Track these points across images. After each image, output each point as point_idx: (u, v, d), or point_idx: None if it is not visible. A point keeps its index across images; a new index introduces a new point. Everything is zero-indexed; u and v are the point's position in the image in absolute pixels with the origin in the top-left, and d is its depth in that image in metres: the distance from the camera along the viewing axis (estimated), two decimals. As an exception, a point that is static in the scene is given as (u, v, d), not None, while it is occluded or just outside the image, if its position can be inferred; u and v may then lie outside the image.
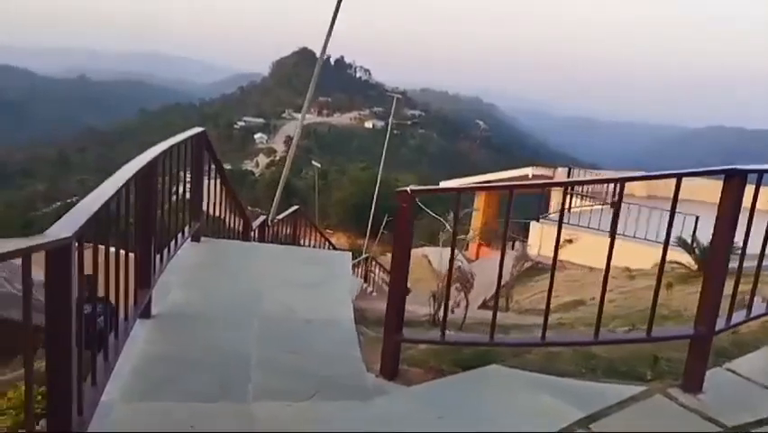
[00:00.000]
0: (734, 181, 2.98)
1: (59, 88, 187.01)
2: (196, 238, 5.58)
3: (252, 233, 8.15)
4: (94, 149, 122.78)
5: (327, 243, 15.14)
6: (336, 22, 9.02)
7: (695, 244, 10.83)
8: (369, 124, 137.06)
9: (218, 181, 6.23)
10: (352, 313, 4.44)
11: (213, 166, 5.94)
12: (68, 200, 71.71)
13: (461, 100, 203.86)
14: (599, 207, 18.29)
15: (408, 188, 3.31)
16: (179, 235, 4.92)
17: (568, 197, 18.74)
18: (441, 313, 5.85)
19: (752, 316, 3.39)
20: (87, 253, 2.46)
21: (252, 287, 4.79)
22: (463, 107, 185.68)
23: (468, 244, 23.53)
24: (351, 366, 3.63)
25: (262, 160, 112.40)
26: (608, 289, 10.96)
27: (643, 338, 3.18)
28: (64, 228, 2.19)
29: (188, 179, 5.44)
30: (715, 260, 3.07)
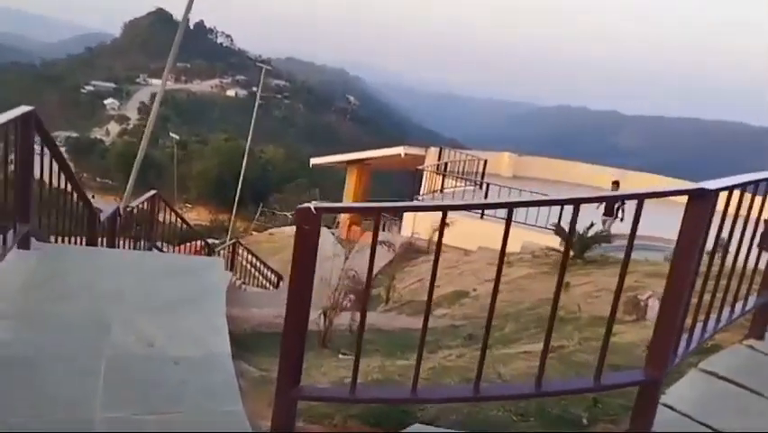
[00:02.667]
0: (699, 202, 2.53)
1: None
2: (24, 245, 4.43)
3: (100, 226, 6.92)
4: None
5: (200, 243, 13.84)
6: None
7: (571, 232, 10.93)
8: (231, 93, 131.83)
9: (57, 171, 5.06)
10: (228, 344, 3.60)
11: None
12: None
13: (327, 71, 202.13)
14: (471, 187, 18.47)
15: (311, 206, 2.55)
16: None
17: (441, 177, 18.84)
18: (330, 329, 5.21)
19: (703, 339, 3.03)
20: None
21: (99, 313, 3.78)
22: (329, 79, 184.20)
23: (338, 223, 23.02)
24: (232, 427, 2.84)
25: (114, 127, 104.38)
26: (487, 278, 10.68)
27: (590, 387, 2.68)
28: None
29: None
30: (672, 295, 2.63)
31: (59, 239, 5.80)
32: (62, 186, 5.44)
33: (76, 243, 6.24)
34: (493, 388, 3.03)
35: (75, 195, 5.91)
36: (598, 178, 21.18)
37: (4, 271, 3.96)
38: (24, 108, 4.25)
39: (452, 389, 3.29)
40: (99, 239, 6.83)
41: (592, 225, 11.41)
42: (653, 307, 6.76)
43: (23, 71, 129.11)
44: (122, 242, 8.01)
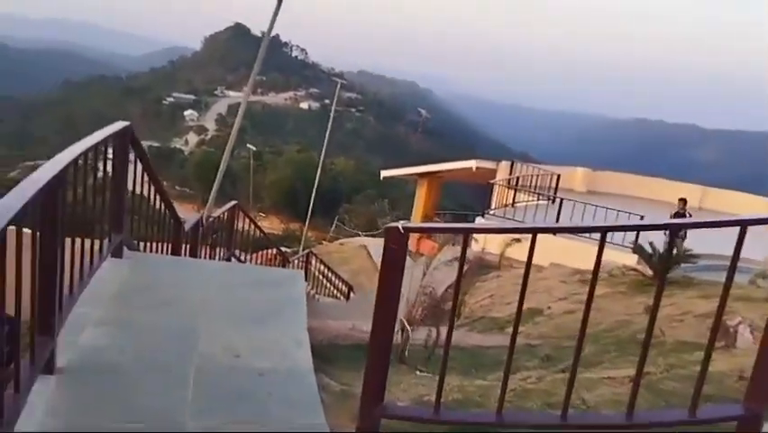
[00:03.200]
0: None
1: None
2: (117, 254, 4.65)
3: (184, 235, 7.19)
4: (11, 121, 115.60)
5: (273, 251, 14.14)
6: (282, 1, 8.12)
7: (652, 251, 10.54)
8: (304, 105, 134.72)
9: (148, 184, 5.30)
10: (310, 357, 3.66)
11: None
12: (-21, 176, 67.05)
13: (398, 84, 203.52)
14: (544, 202, 18.11)
15: (399, 226, 2.56)
16: (97, 254, 4.02)
17: (512, 191, 18.59)
18: (410, 345, 5.21)
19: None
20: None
21: (187, 322, 3.93)
22: (400, 91, 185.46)
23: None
24: (316, 442, 2.88)
25: (192, 138, 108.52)
26: (561, 296, 10.42)
27: (685, 420, 2.57)
28: None
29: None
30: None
31: (146, 246, 6.07)
32: (148, 195, 5.69)
33: (161, 250, 6.51)
34: (581, 416, 2.95)
35: (162, 205, 6.16)
36: (677, 194, 20.39)
37: (100, 279, 4.16)
38: (122, 123, 4.46)
39: (539, 415, 3.22)
40: (183, 247, 7.10)
41: (675, 243, 10.98)
42: (743, 334, 6.43)
43: (110, 84, 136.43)
44: (202, 250, 8.30)
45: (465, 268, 10.49)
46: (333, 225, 28.07)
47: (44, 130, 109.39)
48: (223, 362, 3.49)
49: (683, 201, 15.20)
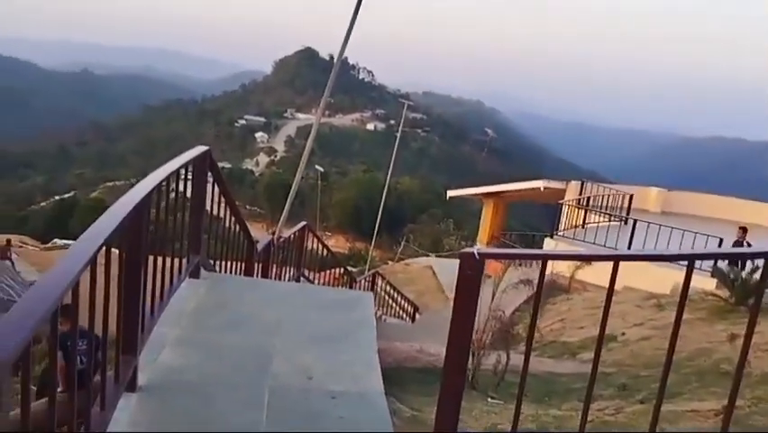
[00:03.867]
0: None
1: (62, 81, 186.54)
2: (194, 274, 4.79)
3: (257, 255, 7.35)
4: (95, 143, 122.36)
5: (340, 270, 14.28)
6: (354, 25, 8.27)
7: (732, 275, 10.03)
8: (370, 126, 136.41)
9: (223, 204, 5.45)
10: (381, 381, 3.64)
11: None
12: (65, 195, 71.03)
13: (464, 104, 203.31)
14: (616, 223, 17.56)
15: (475, 251, 2.53)
16: (176, 274, 4.15)
17: (582, 212, 18.12)
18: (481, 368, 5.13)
19: None
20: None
21: (261, 342, 4.00)
22: (465, 111, 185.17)
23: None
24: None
25: (263, 159, 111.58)
26: (636, 321, 10.03)
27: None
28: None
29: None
30: None
31: (221, 265, 6.24)
32: (223, 216, 5.85)
33: (235, 270, 6.68)
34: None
35: (237, 226, 6.33)
36: (757, 215, 19.40)
37: (178, 298, 4.29)
38: (201, 148, 4.62)
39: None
40: (255, 267, 7.26)
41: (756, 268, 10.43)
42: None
43: (186, 107, 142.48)
44: (272, 268, 8.46)
45: (533, 291, 10.25)
46: (402, 246, 28.06)
47: (124, 151, 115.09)
48: (296, 383, 3.53)
49: (743, 230, 14.38)
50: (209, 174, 4.89)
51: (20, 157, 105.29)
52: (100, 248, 2.29)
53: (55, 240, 32.70)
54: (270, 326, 4.27)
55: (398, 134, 26.99)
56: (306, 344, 4.04)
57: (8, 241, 23.18)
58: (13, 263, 19.87)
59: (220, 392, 3.34)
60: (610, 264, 2.83)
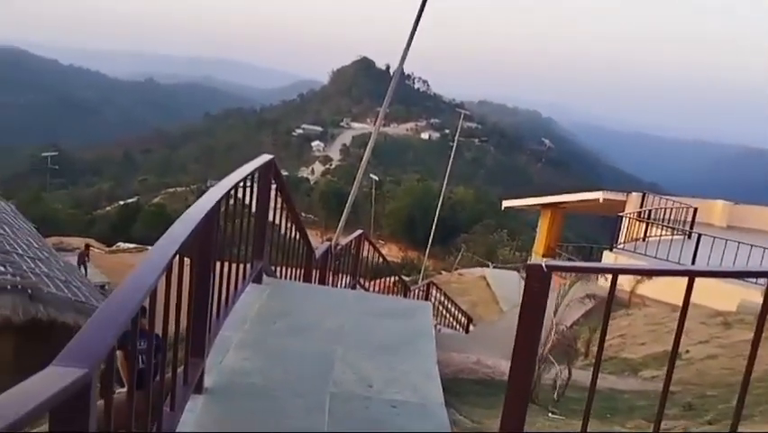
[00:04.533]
0: None
1: (128, 91, 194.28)
2: (257, 279, 4.90)
3: (315, 262, 7.45)
4: (158, 150, 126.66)
5: (393, 279, 14.32)
6: (414, 37, 8.31)
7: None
8: (425, 136, 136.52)
9: (284, 212, 5.56)
10: (441, 392, 3.63)
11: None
12: (129, 200, 73.67)
13: (520, 113, 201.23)
14: (679, 237, 17.00)
15: (543, 264, 2.50)
16: (240, 279, 4.25)
17: (643, 225, 17.61)
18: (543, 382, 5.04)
19: None
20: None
21: (322, 349, 4.04)
22: (521, 121, 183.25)
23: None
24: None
25: (318, 167, 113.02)
26: (701, 339, 9.68)
27: None
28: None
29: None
30: None
31: (281, 271, 6.34)
32: (284, 223, 5.95)
33: (294, 276, 6.78)
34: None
35: (297, 233, 6.43)
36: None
37: (242, 303, 4.39)
38: (266, 157, 4.73)
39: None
40: (313, 273, 7.35)
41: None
42: None
43: (245, 116, 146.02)
44: (328, 275, 8.55)
45: (593, 304, 10.03)
46: (460, 256, 27.88)
47: (185, 159, 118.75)
48: (356, 391, 3.55)
49: None
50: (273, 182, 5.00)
51: (88, 164, 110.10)
52: (174, 256, 2.37)
53: (119, 243, 33.88)
54: (331, 333, 4.32)
55: (454, 144, 26.87)
56: (366, 352, 4.07)
57: (87, 246, 24.04)
58: (86, 268, 20.58)
59: (283, 397, 3.40)
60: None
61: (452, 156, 24.98)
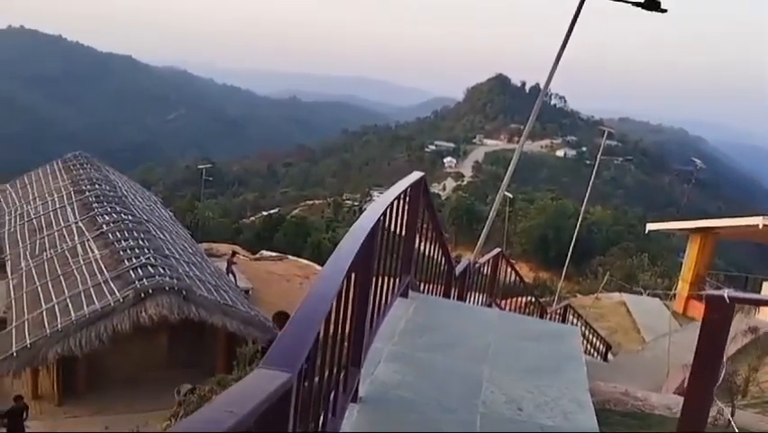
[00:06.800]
0: None
1: (273, 107, 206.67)
2: (404, 294, 4.99)
3: (454, 279, 7.45)
4: (299, 164, 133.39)
5: (526, 299, 13.99)
6: (561, 56, 8.14)
7: None
8: (560, 153, 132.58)
9: (430, 229, 5.62)
10: (595, 422, 3.49)
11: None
12: (271, 211, 77.86)
13: (664, 131, 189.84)
14: None
15: (725, 294, 2.35)
16: (390, 293, 4.35)
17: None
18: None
19: None
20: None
21: (469, 367, 4.04)
22: (665, 139, 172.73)
23: (674, 294, 21.00)
24: None
25: (450, 183, 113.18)
26: None
27: None
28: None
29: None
30: None
31: (423, 286, 6.41)
32: (428, 239, 6.01)
33: (434, 291, 6.83)
34: None
35: (439, 250, 6.47)
36: None
37: (391, 316, 4.49)
38: (418, 174, 4.82)
39: None
40: (452, 290, 7.36)
41: None
42: None
43: (382, 132, 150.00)
44: (468, 293, 8.52)
45: (750, 339, 9.17)
46: (605, 279, 26.52)
47: (323, 173, 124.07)
48: (506, 413, 3.51)
49: None
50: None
51: (235, 175, 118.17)
52: (348, 273, 2.49)
53: (262, 251, 35.75)
54: (478, 351, 4.30)
55: (597, 163, 25.77)
56: (514, 373, 4.00)
57: (234, 253, 25.49)
58: (235, 275, 21.80)
59: (435, 412, 3.43)
60: None
61: (593, 175, 23.96)
